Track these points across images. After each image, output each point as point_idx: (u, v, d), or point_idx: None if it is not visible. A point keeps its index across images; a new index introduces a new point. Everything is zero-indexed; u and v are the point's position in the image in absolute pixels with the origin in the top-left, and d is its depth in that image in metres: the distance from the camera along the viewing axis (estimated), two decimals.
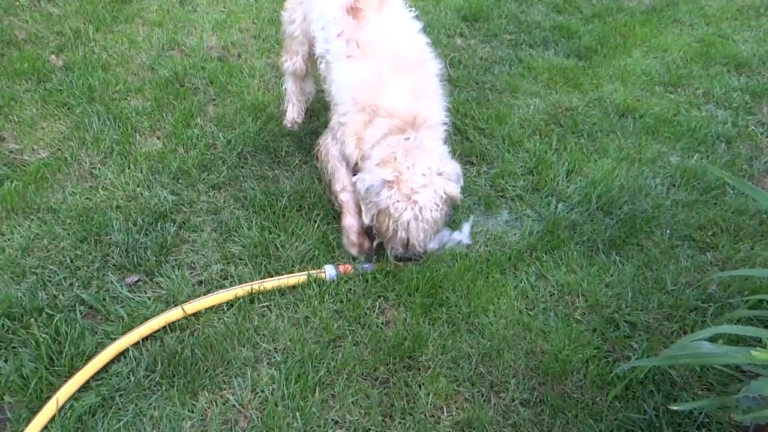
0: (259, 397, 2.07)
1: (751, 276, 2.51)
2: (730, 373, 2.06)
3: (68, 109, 3.39)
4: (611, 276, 2.56)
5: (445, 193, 2.38)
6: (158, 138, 3.23)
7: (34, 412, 1.94)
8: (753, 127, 3.52)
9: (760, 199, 1.77)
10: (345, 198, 2.63)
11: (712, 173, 3.08)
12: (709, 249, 2.73)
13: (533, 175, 3.11)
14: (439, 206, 2.37)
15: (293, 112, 3.29)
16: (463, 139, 3.33)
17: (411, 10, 2.70)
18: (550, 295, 2.48)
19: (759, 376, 1.37)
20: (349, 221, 2.60)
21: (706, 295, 2.46)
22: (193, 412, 2.02)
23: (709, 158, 3.24)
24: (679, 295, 2.47)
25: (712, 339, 1.78)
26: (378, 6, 2.57)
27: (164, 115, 3.38)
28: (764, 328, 1.82)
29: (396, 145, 2.40)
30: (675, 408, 1.61)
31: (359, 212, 2.53)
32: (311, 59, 3.07)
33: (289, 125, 3.29)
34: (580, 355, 2.23)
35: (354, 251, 2.59)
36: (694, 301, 2.44)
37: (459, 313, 2.36)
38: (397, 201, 2.33)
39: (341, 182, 2.65)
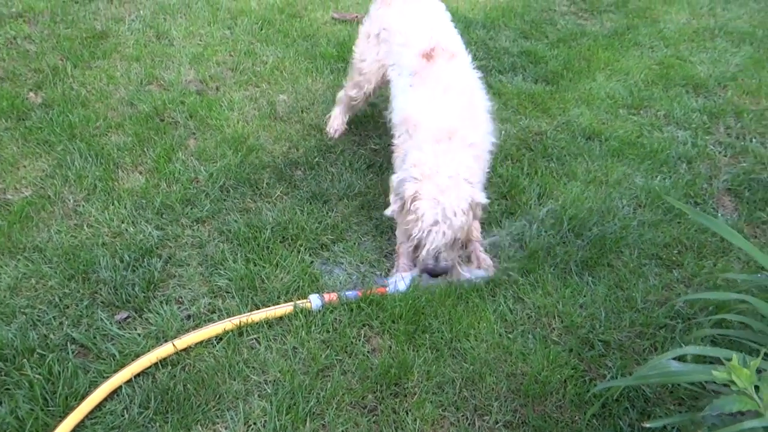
0: (252, 429, 2.12)
1: (716, 289, 2.64)
2: (698, 390, 2.16)
3: (49, 146, 3.41)
4: (585, 297, 2.66)
5: (472, 199, 2.50)
6: (141, 173, 3.27)
7: None
8: (711, 147, 3.69)
9: (709, 224, 1.90)
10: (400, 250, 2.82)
11: (675, 193, 3.22)
12: (675, 267, 2.86)
13: (507, 200, 3.22)
14: (463, 212, 2.48)
15: (338, 123, 3.67)
16: None
17: (473, 65, 2.94)
18: (528, 318, 2.58)
19: (721, 394, 1.47)
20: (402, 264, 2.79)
21: (674, 312, 2.58)
22: None
23: (671, 178, 3.39)
24: (649, 313, 2.58)
25: (681, 357, 1.88)
26: (450, 56, 2.83)
27: (146, 150, 3.42)
28: (728, 346, 1.94)
29: (428, 150, 2.54)
30: (648, 425, 1.70)
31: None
32: (368, 98, 3.49)
33: (331, 132, 3.65)
34: (559, 376, 2.32)
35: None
36: (663, 318, 2.55)
37: (442, 338, 2.44)
38: (421, 198, 2.47)
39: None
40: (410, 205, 2.50)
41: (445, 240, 2.50)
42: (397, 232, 2.84)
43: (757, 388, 1.38)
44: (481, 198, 2.56)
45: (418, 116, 2.67)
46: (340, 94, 3.62)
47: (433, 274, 2.60)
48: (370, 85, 3.37)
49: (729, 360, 1.41)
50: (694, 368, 1.70)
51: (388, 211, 2.63)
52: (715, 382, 1.50)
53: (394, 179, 2.62)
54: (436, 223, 2.47)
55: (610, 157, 3.55)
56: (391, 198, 2.63)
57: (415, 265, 2.72)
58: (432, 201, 2.47)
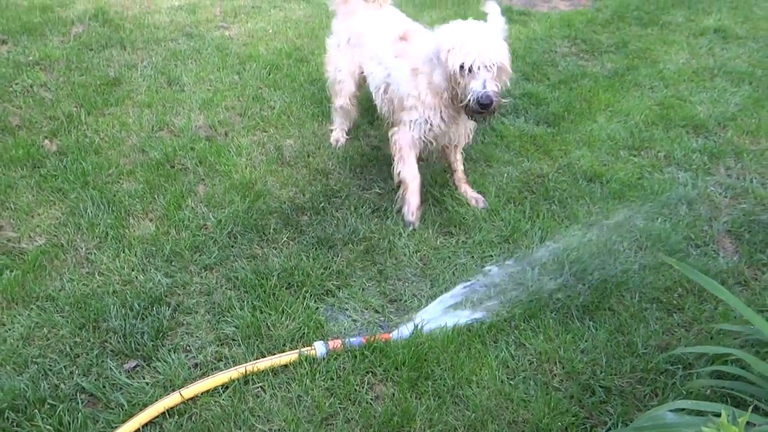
0: None
1: (715, 334, 2.67)
2: None
3: (63, 194, 3.51)
4: (586, 342, 2.69)
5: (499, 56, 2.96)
6: (151, 221, 3.36)
7: None
8: (712, 188, 3.73)
9: (696, 278, 1.95)
10: (410, 179, 3.38)
11: (676, 236, 3.27)
12: (675, 310, 2.89)
13: (509, 243, 3.27)
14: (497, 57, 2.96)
15: (338, 134, 4.12)
16: (441, 210, 3.50)
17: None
18: (530, 364, 2.61)
19: None
20: (413, 199, 3.37)
21: (674, 358, 2.60)
22: None
23: (672, 220, 3.43)
24: (650, 359, 2.60)
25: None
26: (421, 32, 3.41)
27: (156, 197, 3.51)
28: (726, 396, 1.96)
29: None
30: None
31: (420, 192, 3.39)
32: (354, 98, 3.97)
33: (333, 143, 4.07)
34: (560, 423, 2.34)
35: (414, 220, 3.35)
36: (663, 364, 2.57)
37: (444, 385, 2.48)
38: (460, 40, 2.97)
39: (409, 167, 3.38)
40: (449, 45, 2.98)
41: (493, 53, 2.93)
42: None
43: None
44: (506, 59, 3.03)
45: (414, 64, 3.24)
46: (332, 110, 4.10)
47: (484, 103, 2.92)
48: (351, 88, 3.87)
49: (718, 416, 1.45)
50: (689, 420, 1.73)
51: (438, 78, 3.13)
52: None
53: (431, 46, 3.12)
54: (480, 44, 2.91)
55: (611, 199, 3.61)
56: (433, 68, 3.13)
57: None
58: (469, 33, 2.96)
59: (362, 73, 3.77)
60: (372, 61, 3.59)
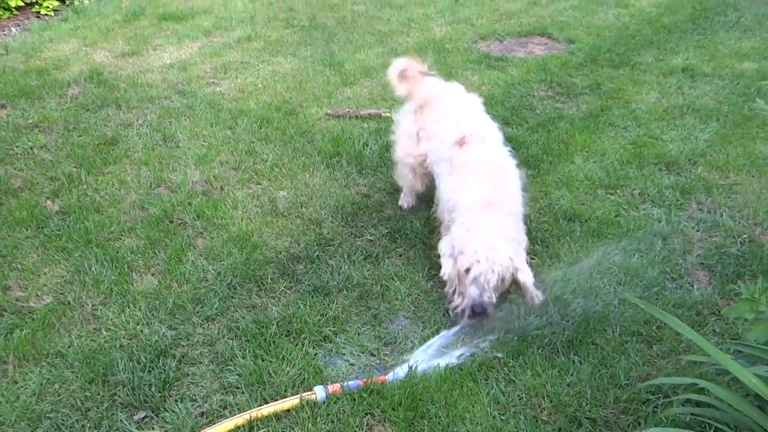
0: None
1: (693, 364, 2.83)
2: None
3: (67, 253, 3.66)
4: (571, 376, 2.85)
5: (512, 266, 3.04)
6: (153, 275, 3.51)
7: None
8: (685, 223, 3.94)
9: (662, 318, 2.12)
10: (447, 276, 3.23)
11: (652, 270, 3.46)
12: (655, 342, 3.05)
13: None
14: (503, 266, 3.01)
15: (407, 200, 4.14)
16: (431, 254, 3.67)
17: (507, 146, 3.52)
18: (519, 399, 2.75)
19: None
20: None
21: (654, 388, 2.75)
22: None
23: (648, 255, 3.62)
24: (632, 389, 2.76)
25: None
26: (480, 139, 3.39)
27: (157, 252, 3.67)
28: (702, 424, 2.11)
29: (472, 214, 3.11)
30: None
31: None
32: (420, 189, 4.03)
33: (404, 206, 4.11)
34: None
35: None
36: (645, 394, 2.73)
37: (439, 423, 2.61)
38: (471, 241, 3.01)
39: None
40: (460, 252, 3.02)
41: (492, 274, 2.95)
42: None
43: None
44: (526, 272, 3.11)
45: (457, 196, 3.22)
46: (401, 205, 4.15)
47: (476, 311, 2.96)
48: (417, 187, 3.99)
49: None
50: None
51: (443, 274, 3.13)
52: None
53: (443, 244, 3.16)
54: (484, 258, 2.96)
55: (590, 237, 3.80)
56: (443, 261, 3.14)
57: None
58: (480, 243, 2.99)
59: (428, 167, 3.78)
60: (436, 163, 3.61)
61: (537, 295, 3.22)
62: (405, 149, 3.91)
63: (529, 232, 3.79)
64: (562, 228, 3.90)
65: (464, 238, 3.04)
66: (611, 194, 4.28)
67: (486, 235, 3.00)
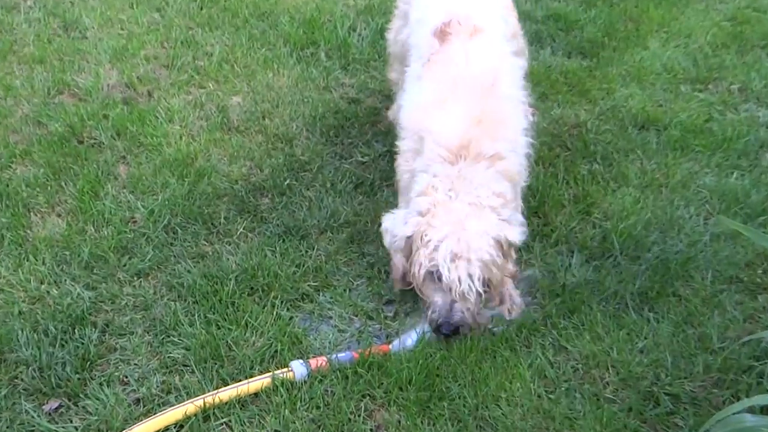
0: None
1: None
2: None
3: None
4: (645, 339, 2.89)
5: (499, 235, 2.76)
6: (59, 216, 3.51)
7: None
8: None
9: None
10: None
11: (757, 194, 3.47)
12: (761, 291, 3.09)
13: (539, 218, 3.45)
14: (490, 246, 2.72)
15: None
16: None
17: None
18: (574, 371, 2.80)
19: None
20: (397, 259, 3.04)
21: (760, 350, 2.80)
22: None
23: (751, 174, 3.64)
24: (729, 354, 2.80)
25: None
26: (470, 33, 3.12)
27: (63, 184, 3.66)
28: None
29: (440, 172, 2.82)
30: None
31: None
32: None
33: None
34: None
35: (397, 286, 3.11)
36: (746, 359, 2.78)
37: (465, 406, 2.66)
38: (431, 228, 2.73)
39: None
40: (420, 240, 2.75)
41: (470, 278, 2.70)
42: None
43: None
44: (515, 234, 2.81)
45: (424, 123, 2.96)
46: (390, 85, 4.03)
47: (445, 332, 2.81)
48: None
49: None
50: None
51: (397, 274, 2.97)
52: None
53: (389, 221, 2.91)
54: (455, 257, 2.70)
55: (670, 151, 3.80)
56: (391, 253, 2.94)
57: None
58: (447, 231, 2.71)
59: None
60: (412, 54, 3.47)
61: (516, 303, 3.07)
62: (393, 32, 3.85)
63: (585, 147, 3.80)
64: (630, 139, 3.89)
65: (425, 215, 2.79)
66: (700, 91, 4.26)
67: (462, 211, 2.76)
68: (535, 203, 3.50)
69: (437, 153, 2.86)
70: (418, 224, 2.76)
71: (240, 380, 2.74)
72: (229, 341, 2.90)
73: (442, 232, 2.71)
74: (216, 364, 2.83)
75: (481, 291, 2.74)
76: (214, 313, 3.01)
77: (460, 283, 2.69)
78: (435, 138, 2.88)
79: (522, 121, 3.05)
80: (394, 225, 2.86)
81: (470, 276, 2.69)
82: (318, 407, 2.66)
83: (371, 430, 2.62)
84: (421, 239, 2.75)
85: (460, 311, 2.78)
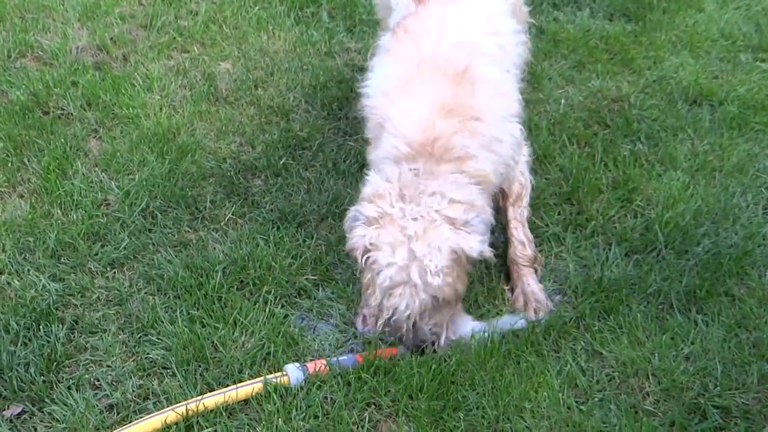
0: None
1: None
2: None
3: None
4: (692, 344, 2.93)
5: (456, 249, 2.74)
6: (22, 197, 3.57)
7: None
8: None
9: None
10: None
11: None
12: None
13: (572, 205, 3.50)
14: (439, 266, 2.72)
15: None
16: None
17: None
18: (609, 380, 2.85)
19: None
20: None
21: None
22: None
23: None
24: None
25: None
26: None
27: (26, 161, 3.72)
28: None
29: (393, 174, 2.81)
30: None
31: None
32: None
33: None
34: None
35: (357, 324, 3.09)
36: None
37: (483, 417, 2.71)
38: (375, 249, 2.74)
39: None
40: (362, 259, 2.78)
41: (417, 306, 2.75)
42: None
43: None
44: (472, 245, 2.77)
45: (385, 109, 2.93)
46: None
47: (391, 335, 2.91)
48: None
49: None
50: None
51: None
52: None
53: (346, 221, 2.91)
54: (400, 283, 2.73)
55: (726, 129, 3.83)
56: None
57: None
58: (392, 252, 2.72)
59: None
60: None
61: (540, 302, 3.11)
62: None
63: (627, 124, 3.83)
64: (680, 115, 3.93)
65: (372, 225, 2.79)
66: (762, 61, 4.29)
67: (410, 229, 2.73)
68: (568, 188, 3.55)
69: (395, 147, 2.84)
70: (364, 237, 2.77)
71: (227, 385, 2.79)
72: (215, 341, 2.96)
73: (385, 257, 2.72)
74: (200, 366, 2.88)
75: (417, 320, 2.79)
76: (198, 310, 3.07)
77: (394, 314, 2.76)
78: (394, 129, 2.86)
79: (504, 110, 3.01)
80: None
81: (407, 306, 2.73)
82: (316, 416, 2.71)
83: None
84: (365, 261, 2.78)
85: (422, 329, 2.87)
